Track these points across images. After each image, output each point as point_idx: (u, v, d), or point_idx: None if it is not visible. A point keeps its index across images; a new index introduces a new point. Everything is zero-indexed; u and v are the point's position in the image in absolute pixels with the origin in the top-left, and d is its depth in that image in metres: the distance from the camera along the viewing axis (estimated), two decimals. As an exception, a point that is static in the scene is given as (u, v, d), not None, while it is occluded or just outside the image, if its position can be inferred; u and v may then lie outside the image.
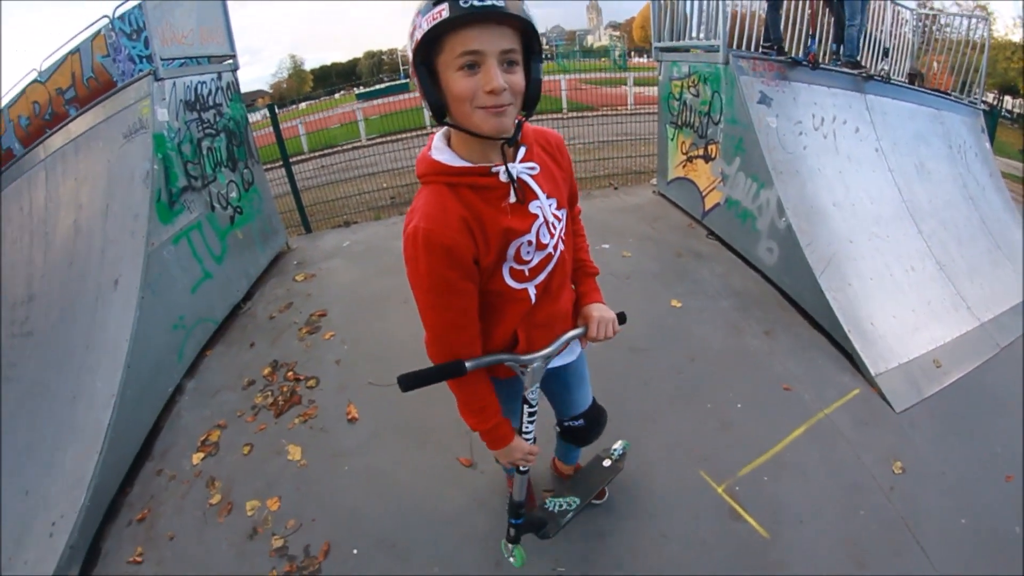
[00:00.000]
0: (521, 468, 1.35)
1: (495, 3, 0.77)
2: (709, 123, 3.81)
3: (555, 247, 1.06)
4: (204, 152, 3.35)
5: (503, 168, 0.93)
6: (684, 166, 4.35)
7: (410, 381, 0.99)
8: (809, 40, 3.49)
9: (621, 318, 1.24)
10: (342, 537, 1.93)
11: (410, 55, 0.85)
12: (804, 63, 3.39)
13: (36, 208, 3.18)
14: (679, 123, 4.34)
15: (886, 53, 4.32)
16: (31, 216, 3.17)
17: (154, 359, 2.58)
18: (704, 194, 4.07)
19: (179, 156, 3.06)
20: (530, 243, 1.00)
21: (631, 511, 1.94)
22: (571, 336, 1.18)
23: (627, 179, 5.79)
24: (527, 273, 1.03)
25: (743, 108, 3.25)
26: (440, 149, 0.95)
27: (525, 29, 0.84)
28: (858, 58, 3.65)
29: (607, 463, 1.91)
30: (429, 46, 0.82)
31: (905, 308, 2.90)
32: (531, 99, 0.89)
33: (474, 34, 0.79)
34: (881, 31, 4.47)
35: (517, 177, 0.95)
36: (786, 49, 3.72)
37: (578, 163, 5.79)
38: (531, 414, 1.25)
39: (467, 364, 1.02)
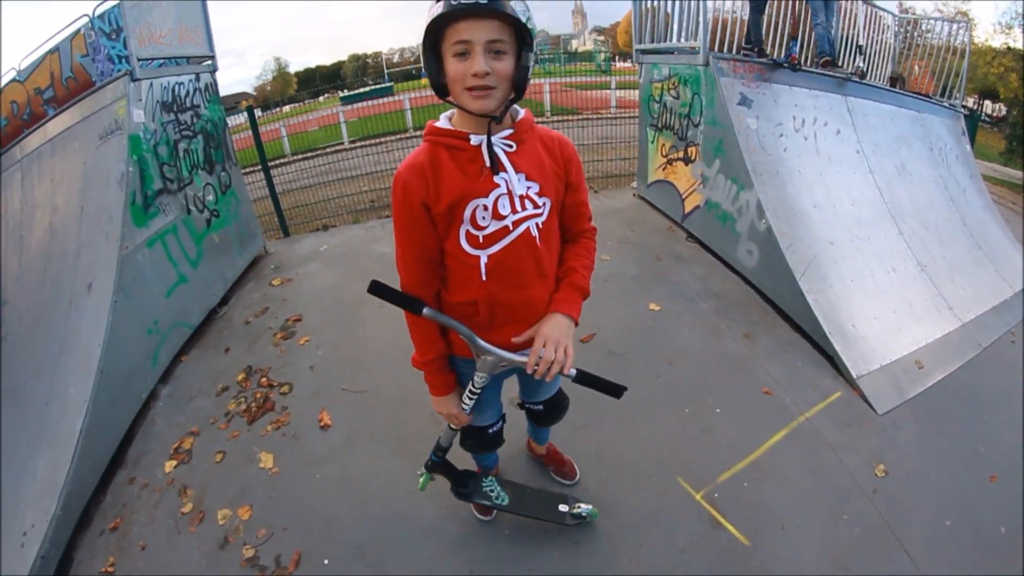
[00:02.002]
0: (452, 425, 1.44)
1: (479, 1, 0.91)
2: (689, 125, 3.80)
3: (516, 223, 1.10)
4: (180, 154, 3.30)
5: (478, 136, 1.06)
6: (664, 169, 4.35)
7: (378, 289, 1.10)
8: (791, 42, 3.51)
9: (618, 391, 1.15)
10: (313, 546, 1.89)
11: (422, 42, 1.01)
12: (785, 65, 3.40)
13: (11, 210, 3.13)
14: (659, 125, 4.34)
15: (860, 51, 4.33)
16: (6, 218, 3.12)
17: (128, 364, 2.53)
18: (684, 197, 4.07)
19: (155, 158, 3.00)
20: (486, 208, 1.08)
21: (607, 519, 1.90)
22: (515, 359, 1.17)
23: (607, 182, 5.78)
24: (481, 240, 1.10)
25: (723, 110, 3.25)
26: (441, 119, 1.12)
27: (516, 23, 0.96)
28: (832, 56, 3.65)
29: (563, 508, 1.81)
30: (436, 35, 0.98)
31: (887, 309, 2.90)
32: (519, 84, 1.02)
33: (465, 26, 0.94)
34: (855, 31, 4.50)
35: (489, 147, 1.06)
36: (767, 51, 3.74)
37: None
38: (473, 393, 1.30)
39: (425, 310, 1.12)
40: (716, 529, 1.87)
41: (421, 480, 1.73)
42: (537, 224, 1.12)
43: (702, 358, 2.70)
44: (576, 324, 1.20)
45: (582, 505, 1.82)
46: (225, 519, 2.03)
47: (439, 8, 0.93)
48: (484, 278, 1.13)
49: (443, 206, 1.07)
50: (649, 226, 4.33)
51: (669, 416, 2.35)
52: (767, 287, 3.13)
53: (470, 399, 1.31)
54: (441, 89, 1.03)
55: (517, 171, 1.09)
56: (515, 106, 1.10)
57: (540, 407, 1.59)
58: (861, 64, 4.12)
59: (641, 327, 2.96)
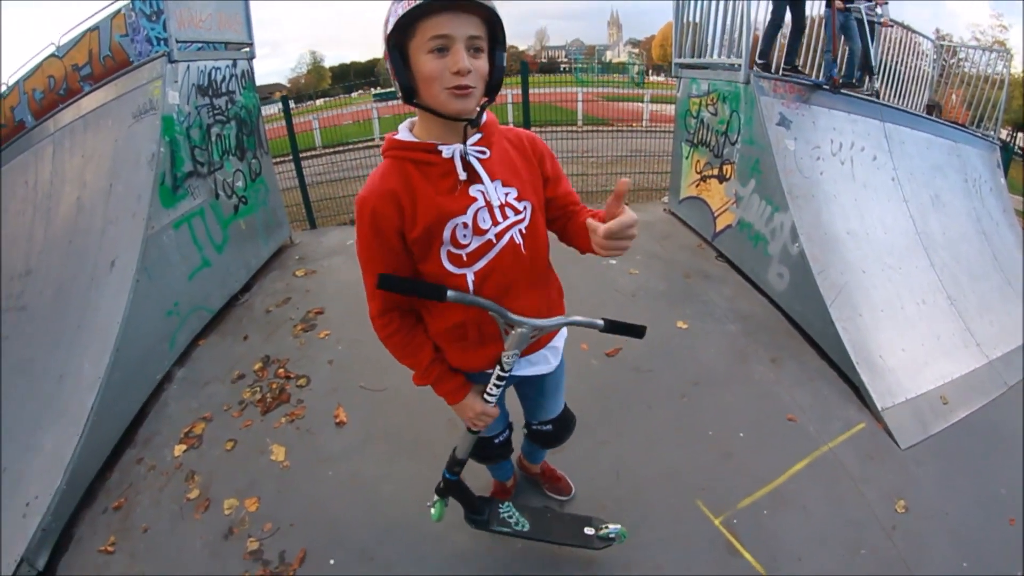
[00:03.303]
0: (472, 428, 1.31)
1: None
2: (726, 143, 3.74)
3: (499, 235, 1.04)
4: (213, 139, 3.31)
5: (449, 146, 0.97)
6: (697, 185, 4.29)
7: (389, 281, 0.99)
8: (831, 64, 3.46)
9: (641, 331, 1.17)
10: (320, 545, 1.86)
11: (383, 40, 0.91)
12: (826, 87, 3.35)
13: (41, 182, 3.17)
14: (695, 141, 4.29)
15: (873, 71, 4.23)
16: (36, 190, 3.15)
17: (145, 345, 2.54)
18: (716, 215, 4.00)
19: (187, 140, 3.02)
20: (465, 225, 1.01)
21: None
22: (548, 324, 1.12)
23: (638, 196, 5.74)
24: (464, 258, 1.04)
25: (761, 129, 3.20)
26: (401, 131, 1.03)
27: (491, 19, 0.90)
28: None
29: (589, 531, 1.69)
30: (402, 31, 0.88)
31: (915, 342, 2.83)
32: (494, 85, 0.95)
33: (444, 20, 0.85)
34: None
35: (461, 156, 0.98)
36: (802, 71, 3.69)
37: (590, 176, 5.72)
38: (500, 379, 1.17)
39: (449, 293, 1.01)
40: (733, 556, 1.83)
41: (435, 510, 1.59)
42: (520, 230, 1.06)
43: (727, 380, 2.65)
44: None
45: (610, 526, 1.69)
46: (231, 509, 2.01)
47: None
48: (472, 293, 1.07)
49: (419, 231, 0.99)
50: (679, 242, 4.27)
51: (692, 438, 2.30)
52: (796, 312, 3.07)
53: (497, 387, 1.19)
54: (409, 92, 0.92)
55: (493, 179, 1.02)
56: None
57: (549, 427, 1.51)
58: (875, 85, 4.05)
59: (667, 345, 2.91)
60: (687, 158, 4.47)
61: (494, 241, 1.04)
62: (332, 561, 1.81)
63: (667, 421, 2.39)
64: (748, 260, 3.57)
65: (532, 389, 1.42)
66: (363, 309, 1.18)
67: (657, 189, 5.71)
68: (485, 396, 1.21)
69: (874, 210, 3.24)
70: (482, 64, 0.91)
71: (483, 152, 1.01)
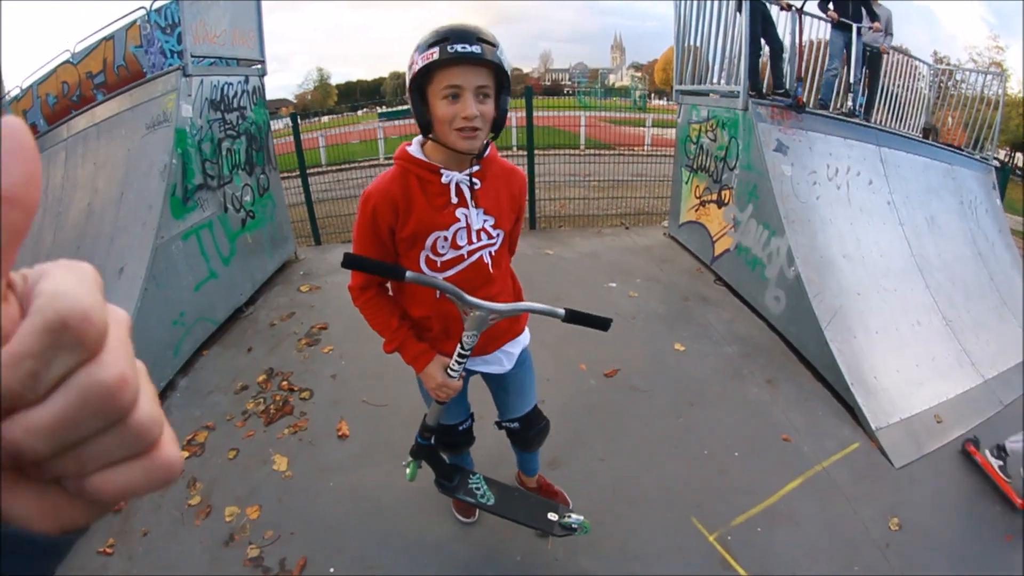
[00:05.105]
0: (438, 400, 1.39)
1: (474, 51, 1.00)
2: (724, 168, 3.82)
3: (470, 252, 1.23)
4: (223, 153, 3.37)
5: (449, 173, 1.16)
6: (696, 210, 4.36)
7: (352, 260, 1.12)
8: (796, 84, 3.54)
9: (605, 324, 1.23)
10: (320, 553, 1.88)
11: (407, 82, 1.09)
12: (791, 106, 3.43)
13: (52, 187, 3.22)
14: (695, 166, 4.36)
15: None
16: (46, 194, 3.20)
17: (150, 352, 2.56)
18: (715, 239, 4.06)
19: (198, 153, 3.08)
20: (446, 239, 1.20)
21: (618, 554, 1.88)
22: (504, 308, 1.20)
23: (639, 219, 5.78)
24: (439, 264, 1.22)
25: (759, 155, 3.27)
26: (414, 145, 1.20)
27: (498, 69, 1.06)
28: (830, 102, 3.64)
29: (553, 517, 1.67)
30: (423, 77, 1.05)
31: (909, 362, 2.87)
32: (498, 124, 1.13)
33: (456, 72, 1.02)
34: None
35: (456, 184, 1.17)
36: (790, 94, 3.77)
37: (591, 200, 5.81)
38: (461, 356, 1.27)
39: (408, 274, 1.12)
40: (727, 572, 1.85)
41: (408, 470, 1.66)
42: (490, 252, 1.25)
43: (723, 401, 2.68)
44: None
45: (573, 515, 1.67)
46: (232, 516, 2.03)
47: (434, 54, 1.01)
48: (438, 296, 1.23)
49: (407, 232, 1.17)
50: (678, 266, 4.33)
51: (687, 456, 2.33)
52: (792, 334, 3.11)
53: (459, 363, 1.28)
54: (426, 126, 1.11)
55: (477, 206, 1.20)
56: None
57: (516, 424, 1.60)
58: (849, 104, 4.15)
59: (665, 366, 2.96)
60: (687, 183, 4.54)
61: (465, 256, 1.23)
62: (332, 569, 1.83)
63: (663, 439, 2.42)
64: (746, 284, 3.61)
65: (496, 386, 1.56)
66: (366, 326, 1.26)
67: (657, 213, 5.76)
68: (448, 371, 1.31)
69: (870, 233, 3.29)
70: (488, 108, 1.07)
71: (475, 183, 1.18)
